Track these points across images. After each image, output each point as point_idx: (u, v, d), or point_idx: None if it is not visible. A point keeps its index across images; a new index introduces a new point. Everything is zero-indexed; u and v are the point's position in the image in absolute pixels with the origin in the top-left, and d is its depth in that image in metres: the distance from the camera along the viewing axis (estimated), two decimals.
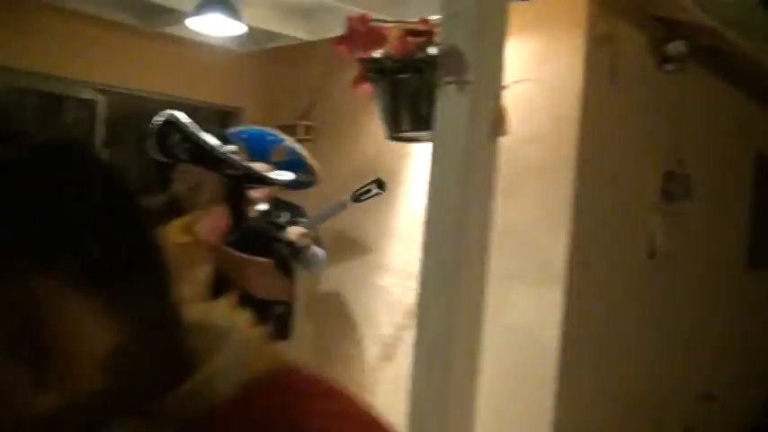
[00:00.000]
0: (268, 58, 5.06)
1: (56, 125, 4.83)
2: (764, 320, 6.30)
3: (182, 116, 2.60)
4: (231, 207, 2.64)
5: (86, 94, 4.72)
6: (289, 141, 3.77)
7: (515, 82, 2.24)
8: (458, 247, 2.05)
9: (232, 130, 3.85)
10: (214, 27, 3.75)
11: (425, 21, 2.17)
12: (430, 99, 2.12)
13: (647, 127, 4.05)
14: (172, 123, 2.60)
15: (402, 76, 2.11)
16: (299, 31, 4.31)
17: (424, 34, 2.13)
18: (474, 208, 2.08)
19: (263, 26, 4.26)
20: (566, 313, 3.57)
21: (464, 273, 2.06)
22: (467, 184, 2.05)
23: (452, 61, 2.05)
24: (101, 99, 4.72)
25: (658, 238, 4.16)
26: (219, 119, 5.36)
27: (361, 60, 2.16)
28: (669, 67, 3.71)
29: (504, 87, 2.14)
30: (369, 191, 3.69)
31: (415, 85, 2.11)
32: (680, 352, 4.69)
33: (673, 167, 4.11)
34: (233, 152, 2.67)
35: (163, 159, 2.66)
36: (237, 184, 2.74)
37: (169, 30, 4.43)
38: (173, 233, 2.37)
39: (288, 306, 3.87)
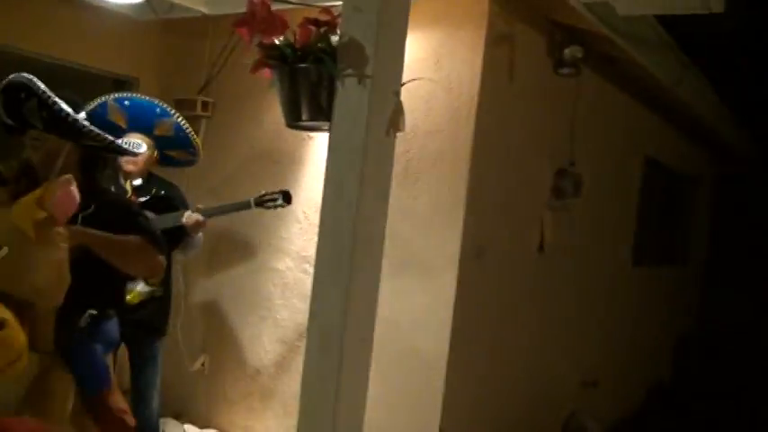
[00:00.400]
0: (168, 28, 4.91)
1: None
2: (647, 314, 6.66)
3: (37, 81, 2.43)
4: (85, 179, 2.50)
5: None
6: (177, 117, 3.68)
7: (414, 79, 2.25)
8: (353, 237, 2.06)
9: (115, 95, 3.73)
10: None
11: (328, 10, 2.16)
12: (330, 89, 2.12)
13: (541, 126, 4.18)
14: (26, 87, 2.42)
15: (302, 65, 2.10)
16: (199, 4, 4.20)
17: (327, 24, 2.12)
18: (369, 200, 2.10)
19: None
20: (458, 300, 3.65)
21: (358, 262, 2.08)
22: (363, 176, 2.07)
23: (352, 54, 2.05)
24: None
25: (548, 233, 4.31)
26: (113, 88, 5.17)
27: (261, 46, 2.13)
28: (565, 70, 3.84)
29: (402, 83, 2.16)
30: (274, 200, 3.65)
31: (315, 74, 2.10)
32: (565, 341, 4.89)
33: (564, 166, 4.25)
34: (84, 119, 2.56)
35: (11, 124, 2.51)
36: (93, 154, 2.62)
37: None
38: (26, 208, 2.21)
39: (167, 289, 3.80)
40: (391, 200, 3.81)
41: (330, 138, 2.13)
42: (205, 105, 4.70)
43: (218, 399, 4.66)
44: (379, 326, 3.84)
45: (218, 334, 4.63)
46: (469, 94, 3.64)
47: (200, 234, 3.78)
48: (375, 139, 2.07)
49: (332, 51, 2.09)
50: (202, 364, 4.63)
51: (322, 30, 2.12)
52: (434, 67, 3.77)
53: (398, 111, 2.11)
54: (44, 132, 2.53)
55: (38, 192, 2.24)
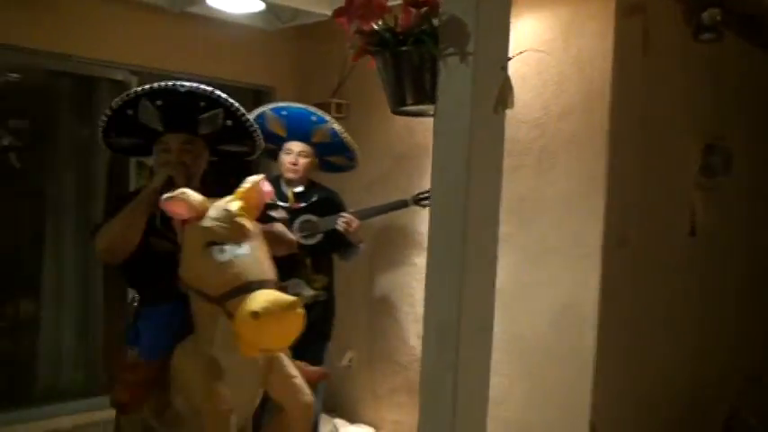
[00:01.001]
0: (298, 35, 5.02)
1: (88, 107, 4.87)
2: None
3: (219, 92, 2.73)
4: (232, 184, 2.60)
5: (119, 76, 4.74)
6: (332, 123, 3.72)
7: (521, 52, 2.14)
8: (463, 223, 1.97)
9: (272, 105, 3.82)
10: (232, 4, 3.73)
11: None
12: (433, 71, 2.05)
13: (682, 99, 3.90)
14: (207, 97, 2.68)
15: (403, 48, 2.04)
16: (322, 7, 4.24)
17: (427, 4, 2.05)
18: (479, 182, 2.00)
19: (285, 3, 4.22)
20: (602, 291, 3.49)
21: (471, 249, 1.99)
22: (471, 157, 1.97)
23: (453, 32, 1.97)
24: (133, 80, 4.74)
25: (699, 215, 4.01)
26: (252, 98, 5.34)
27: (361, 33, 2.09)
28: (705, 36, 3.54)
29: (509, 59, 2.05)
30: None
31: (417, 57, 2.03)
32: (725, 333, 4.54)
33: (712, 141, 3.95)
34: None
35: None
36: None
37: (193, 9, 4.42)
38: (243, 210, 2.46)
39: (331, 293, 3.85)
40: (526, 189, 3.76)
41: (435, 121, 2.05)
42: (339, 107, 4.75)
43: (367, 394, 4.69)
44: (521, 320, 3.79)
45: (365, 330, 4.66)
46: (602, 71, 3.46)
47: (362, 244, 3.83)
48: (482, 118, 1.98)
49: (433, 32, 2.01)
50: (350, 360, 4.70)
51: (423, 11, 2.05)
52: (563, 46, 3.61)
53: (506, 87, 2.00)
54: (209, 140, 2.82)
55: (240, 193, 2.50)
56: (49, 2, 4.20)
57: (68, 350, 4.81)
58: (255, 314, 2.14)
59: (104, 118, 2.73)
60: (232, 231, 2.41)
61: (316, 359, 3.88)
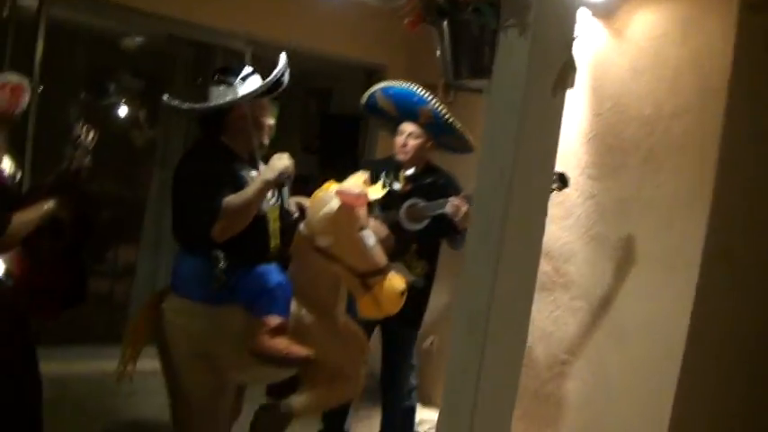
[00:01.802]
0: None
1: (203, 72, 4.99)
2: None
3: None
4: None
5: (236, 45, 4.82)
6: (433, 103, 3.55)
7: (584, 32, 1.95)
8: (504, 209, 1.82)
9: (382, 84, 3.73)
10: None
11: None
12: (492, 44, 1.91)
13: None
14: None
15: (461, 17, 1.90)
16: None
17: None
18: (526, 168, 1.85)
19: None
20: (696, 306, 3.21)
21: (510, 238, 1.84)
22: (520, 139, 1.82)
23: (514, 3, 1.82)
24: (248, 50, 4.81)
25: None
26: (363, 76, 5.31)
27: (421, 0, 1.98)
28: None
29: (574, 38, 1.88)
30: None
31: (476, 27, 1.90)
32: None
33: None
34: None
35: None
36: None
37: None
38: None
39: (429, 280, 3.73)
40: (632, 189, 3.52)
41: (489, 98, 1.91)
42: (447, 88, 4.60)
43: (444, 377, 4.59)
44: (608, 325, 3.57)
45: (448, 314, 4.53)
46: (720, 70, 3.18)
47: None
48: (537, 98, 1.82)
49: (494, 2, 1.87)
50: (431, 344, 4.67)
51: None
52: (680, 41, 3.35)
53: (569, 67, 1.83)
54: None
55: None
56: None
57: None
58: (402, 293, 2.88)
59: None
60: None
61: (404, 345, 3.85)
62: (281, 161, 2.82)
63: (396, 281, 2.91)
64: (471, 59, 1.94)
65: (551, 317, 3.92)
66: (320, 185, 3.03)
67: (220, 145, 2.91)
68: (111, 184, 5.46)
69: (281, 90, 2.93)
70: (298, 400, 2.95)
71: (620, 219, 3.60)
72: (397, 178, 3.63)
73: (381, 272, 2.90)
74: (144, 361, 3.69)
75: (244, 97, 2.84)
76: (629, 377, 3.49)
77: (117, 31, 5.47)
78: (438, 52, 2.04)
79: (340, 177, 3.08)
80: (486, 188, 1.89)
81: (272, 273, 2.83)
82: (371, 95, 3.71)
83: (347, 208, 2.86)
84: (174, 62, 5.12)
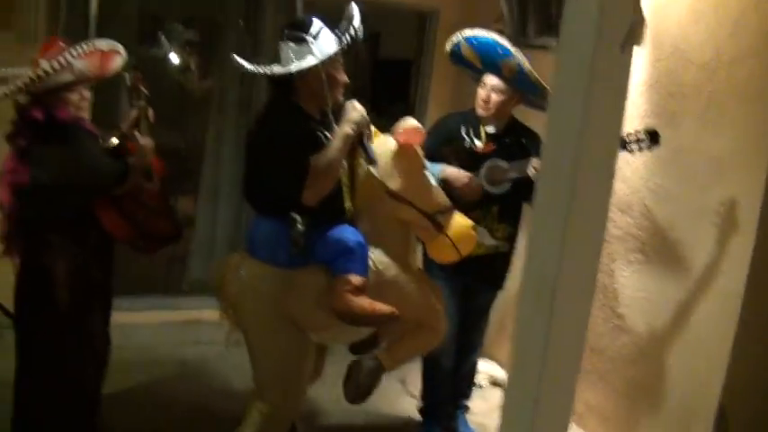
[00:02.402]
0: None
1: (259, 20, 4.97)
2: None
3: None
4: None
5: None
6: (517, 56, 3.29)
7: None
8: (574, 170, 1.81)
9: (467, 32, 3.47)
10: None
11: None
12: (560, 2, 1.87)
13: None
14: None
15: None
16: None
17: None
18: (597, 126, 1.82)
19: None
20: (755, 258, 3.16)
21: (579, 202, 1.82)
22: (591, 98, 1.79)
23: None
24: None
25: None
26: (416, 20, 5.24)
27: None
28: None
29: None
30: (640, 140, 3.17)
31: None
32: None
33: None
34: None
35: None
36: None
37: None
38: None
39: (512, 245, 3.68)
40: (690, 139, 3.44)
41: (556, 57, 1.88)
42: (501, 35, 4.54)
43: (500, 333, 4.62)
44: (661, 280, 3.54)
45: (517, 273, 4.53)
46: None
47: None
48: (606, 55, 1.78)
49: None
50: None
51: None
52: None
53: (638, 22, 1.79)
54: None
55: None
56: None
57: (220, 248, 5.10)
58: (474, 228, 3.02)
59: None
60: None
61: (484, 305, 3.86)
62: (356, 112, 2.76)
63: (462, 218, 3.00)
64: (537, 16, 1.90)
65: (607, 269, 3.91)
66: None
67: (294, 105, 2.84)
68: (166, 134, 5.53)
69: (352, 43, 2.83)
70: (386, 355, 3.01)
71: (677, 169, 3.54)
72: (477, 135, 3.49)
73: (449, 209, 2.98)
74: (209, 311, 3.81)
75: (324, 60, 2.74)
76: (684, 331, 3.48)
77: None
78: (505, 9, 1.98)
79: (392, 123, 3.06)
80: (554, 148, 1.87)
81: (351, 232, 2.83)
82: (456, 44, 3.50)
83: (406, 146, 2.87)
84: (224, 10, 5.11)
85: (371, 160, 2.86)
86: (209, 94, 5.37)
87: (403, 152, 2.88)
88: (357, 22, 2.83)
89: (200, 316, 4.67)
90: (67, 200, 2.97)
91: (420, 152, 2.98)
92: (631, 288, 3.79)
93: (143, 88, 3.23)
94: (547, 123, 1.93)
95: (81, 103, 3.06)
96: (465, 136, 3.47)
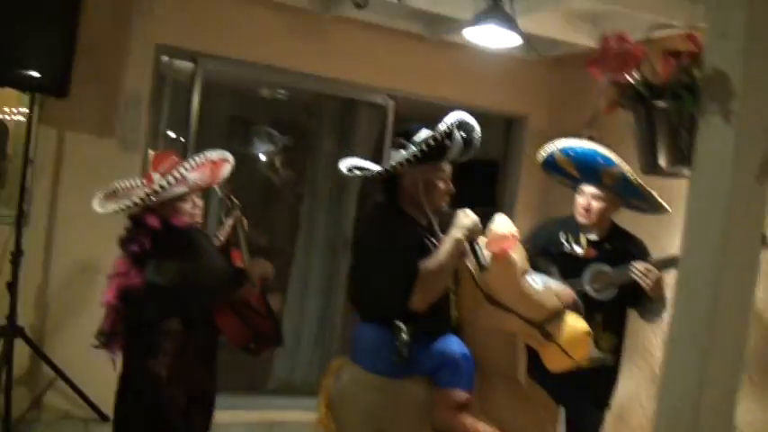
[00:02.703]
0: (555, 63, 4.89)
1: (350, 127, 5.13)
2: None
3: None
4: None
5: (378, 99, 4.93)
6: (621, 165, 3.23)
7: None
8: (713, 301, 1.79)
9: (561, 144, 3.42)
10: (491, 37, 3.67)
11: (693, 37, 1.90)
12: (691, 131, 1.86)
13: None
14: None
15: (660, 103, 1.87)
16: (585, 38, 4.10)
17: (689, 55, 1.87)
18: (735, 256, 1.80)
19: (547, 34, 4.12)
20: None
21: (719, 326, 1.79)
22: (728, 232, 1.77)
23: (716, 88, 1.78)
24: (390, 104, 4.91)
25: None
26: (503, 125, 5.30)
27: (615, 84, 1.96)
28: None
29: None
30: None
31: (674, 114, 1.86)
32: None
33: None
34: None
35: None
36: None
37: (451, 38, 4.47)
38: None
39: (618, 358, 3.47)
40: None
41: (690, 186, 1.87)
42: (591, 140, 4.56)
43: None
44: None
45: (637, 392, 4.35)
46: None
47: (666, 299, 3.26)
48: (742, 186, 1.77)
49: (694, 86, 1.83)
50: None
51: (683, 62, 1.88)
52: None
53: None
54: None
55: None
56: (318, 30, 4.46)
57: (305, 351, 5.11)
58: (588, 333, 2.71)
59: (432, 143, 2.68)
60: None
61: (590, 427, 3.52)
62: (468, 218, 2.70)
63: (576, 320, 2.74)
64: (668, 147, 1.89)
65: None
66: None
67: (399, 210, 2.82)
68: (258, 236, 5.67)
69: (461, 153, 2.82)
70: None
71: None
72: (577, 241, 3.41)
73: (557, 315, 2.74)
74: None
75: (402, 162, 2.68)
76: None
77: (262, 85, 5.68)
78: (636, 140, 1.98)
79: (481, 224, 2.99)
80: (692, 274, 1.85)
81: (456, 344, 2.73)
82: (551, 154, 3.43)
83: (499, 255, 2.73)
84: (318, 116, 5.28)
85: (482, 266, 2.74)
86: (299, 196, 5.49)
87: (496, 261, 2.75)
88: (443, 130, 2.71)
89: (285, 417, 4.64)
90: (187, 303, 3.02)
91: (516, 258, 2.77)
92: None
93: (235, 199, 3.33)
94: (683, 248, 1.92)
95: (194, 211, 3.14)
96: (565, 242, 3.41)
